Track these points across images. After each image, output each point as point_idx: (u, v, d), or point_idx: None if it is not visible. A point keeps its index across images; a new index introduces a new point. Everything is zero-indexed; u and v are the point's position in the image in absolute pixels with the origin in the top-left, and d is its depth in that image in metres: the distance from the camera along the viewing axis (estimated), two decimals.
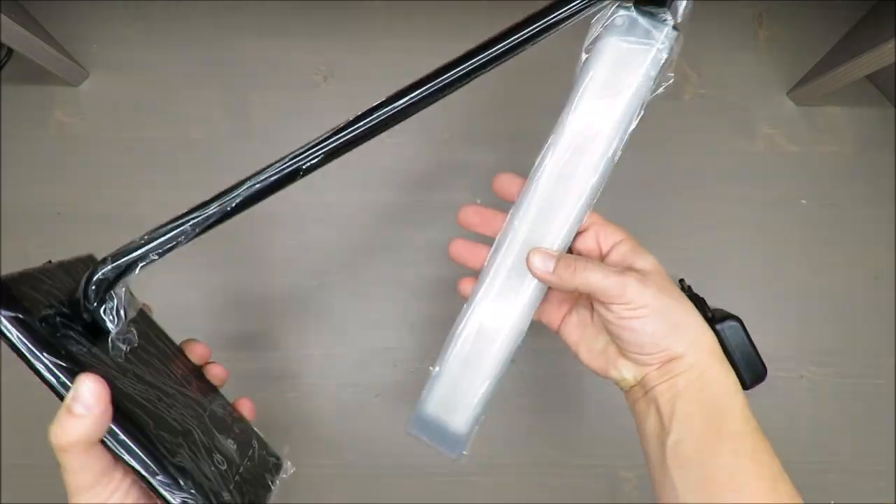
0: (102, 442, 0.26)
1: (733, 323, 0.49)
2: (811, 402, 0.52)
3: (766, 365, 0.50)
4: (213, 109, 0.56)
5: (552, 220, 0.33)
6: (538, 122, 0.55)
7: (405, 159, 0.55)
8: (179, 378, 0.34)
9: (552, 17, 0.31)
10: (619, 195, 0.56)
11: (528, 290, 0.34)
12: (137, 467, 0.26)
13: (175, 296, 0.52)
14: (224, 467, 0.31)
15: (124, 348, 0.30)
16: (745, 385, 0.49)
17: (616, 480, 0.50)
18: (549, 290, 0.35)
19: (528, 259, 0.33)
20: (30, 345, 0.25)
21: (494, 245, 0.36)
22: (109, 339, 0.29)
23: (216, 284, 0.52)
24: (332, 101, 0.57)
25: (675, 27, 0.31)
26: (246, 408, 0.38)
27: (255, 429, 0.38)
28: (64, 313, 0.28)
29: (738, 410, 0.32)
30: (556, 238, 0.33)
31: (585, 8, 0.31)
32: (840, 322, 0.54)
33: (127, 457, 0.26)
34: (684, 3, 0.31)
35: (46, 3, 0.55)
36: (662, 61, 0.31)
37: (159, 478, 0.26)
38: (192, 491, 0.27)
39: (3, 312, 0.25)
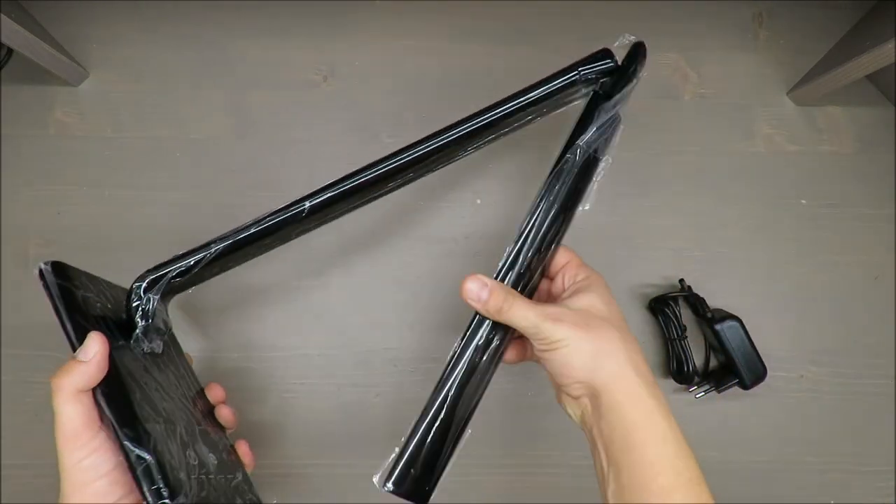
0: (93, 394, 0.30)
1: (733, 323, 0.49)
2: (811, 402, 0.52)
3: (766, 365, 0.50)
4: (213, 109, 0.56)
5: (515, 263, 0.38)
6: (536, 122, 0.55)
7: None
8: (188, 398, 0.38)
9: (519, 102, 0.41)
10: (619, 195, 0.56)
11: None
12: (110, 413, 0.30)
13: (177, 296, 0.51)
14: (194, 462, 0.34)
15: (146, 346, 0.36)
16: (746, 385, 0.49)
17: None
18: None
19: (462, 285, 0.35)
20: (65, 306, 0.32)
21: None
22: (135, 334, 0.35)
23: (216, 283, 0.52)
24: (332, 101, 0.57)
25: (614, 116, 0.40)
26: (243, 450, 0.41)
27: (247, 473, 0.40)
28: (107, 308, 0.35)
29: (667, 460, 0.31)
30: (499, 271, 0.37)
31: (561, 90, 0.41)
32: (840, 322, 0.54)
33: (104, 402, 0.30)
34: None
35: (46, 3, 0.55)
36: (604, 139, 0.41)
37: (126, 430, 0.30)
38: (152, 451, 0.30)
39: (54, 279, 0.32)
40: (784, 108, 0.59)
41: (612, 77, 0.41)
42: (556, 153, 0.57)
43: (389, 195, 0.55)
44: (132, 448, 0.30)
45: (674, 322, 0.50)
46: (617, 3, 0.60)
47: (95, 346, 0.31)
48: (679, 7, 0.60)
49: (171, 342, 0.41)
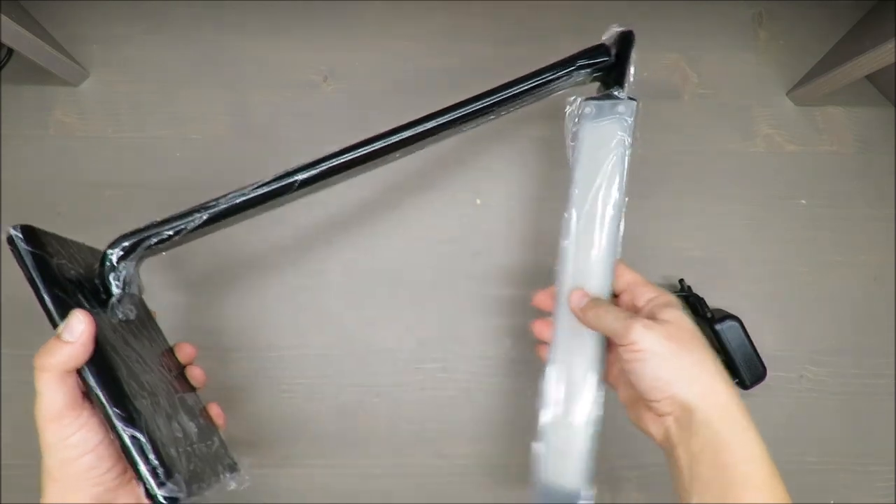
0: (79, 374, 0.30)
1: (733, 323, 0.49)
2: (811, 402, 0.52)
3: (766, 365, 0.50)
4: (213, 109, 0.56)
5: (588, 277, 0.39)
6: (535, 124, 0.55)
7: (405, 158, 0.55)
8: (163, 364, 0.37)
9: (521, 86, 0.42)
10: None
11: (591, 344, 0.39)
12: (100, 395, 0.29)
13: (175, 295, 0.51)
14: (179, 435, 0.34)
15: (120, 314, 0.35)
16: (746, 385, 0.49)
17: (616, 480, 0.50)
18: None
19: (569, 296, 0.38)
20: (42, 279, 0.31)
21: (554, 315, 0.41)
22: (110, 303, 0.34)
23: (215, 283, 0.52)
24: (332, 101, 0.57)
25: (630, 97, 0.40)
26: (215, 412, 0.41)
27: (221, 434, 0.40)
28: (80, 273, 0.34)
29: (760, 480, 0.30)
30: (594, 285, 0.38)
31: (558, 78, 0.42)
32: (840, 322, 0.54)
33: (94, 384, 0.30)
34: (631, 79, 0.40)
35: (46, 3, 0.55)
36: (631, 127, 0.39)
37: (116, 409, 0.29)
38: (144, 431, 0.30)
39: (27, 248, 0.31)
40: (784, 108, 0.59)
41: (609, 71, 0.41)
42: (556, 154, 0.57)
43: (388, 197, 0.55)
44: (124, 429, 0.29)
45: None
46: (617, 3, 0.60)
47: (80, 326, 0.30)
48: (679, 7, 0.60)
49: (141, 303, 0.40)
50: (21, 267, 0.31)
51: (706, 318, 0.50)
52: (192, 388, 0.40)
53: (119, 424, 0.29)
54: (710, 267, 0.54)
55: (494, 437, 0.50)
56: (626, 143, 0.39)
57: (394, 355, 0.51)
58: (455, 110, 0.40)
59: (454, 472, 0.50)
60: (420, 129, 0.40)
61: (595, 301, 0.37)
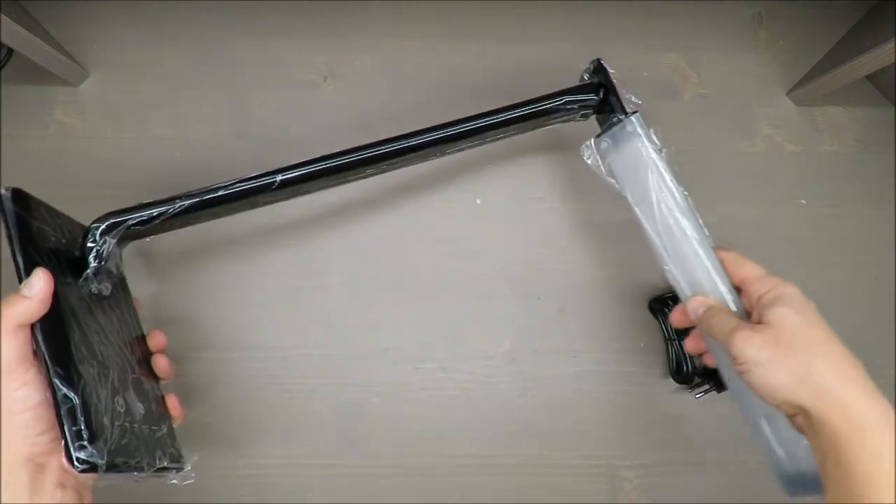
0: (31, 330, 0.31)
1: None
2: None
3: None
4: (213, 109, 0.56)
5: (700, 285, 0.39)
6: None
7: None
8: (127, 344, 0.38)
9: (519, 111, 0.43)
10: (619, 195, 0.56)
11: None
12: (44, 350, 0.31)
13: (175, 294, 0.51)
14: (121, 409, 0.34)
15: (94, 288, 0.36)
16: None
17: (616, 480, 0.50)
18: None
19: (688, 303, 0.38)
20: (19, 238, 0.33)
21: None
22: (85, 274, 0.36)
23: (215, 283, 0.52)
24: (332, 101, 0.57)
25: (630, 112, 0.42)
26: (171, 403, 0.41)
27: (174, 426, 0.40)
28: (61, 244, 0.36)
29: (881, 477, 0.28)
30: (708, 290, 0.38)
31: (548, 113, 0.43)
32: (840, 322, 0.54)
33: (41, 339, 0.31)
34: (623, 96, 0.42)
35: (46, 3, 0.55)
36: (647, 134, 0.41)
37: (56, 367, 0.31)
38: (79, 393, 0.31)
39: (12, 207, 0.33)
40: (784, 108, 0.59)
41: (602, 104, 0.44)
42: (556, 154, 0.57)
43: (389, 196, 0.55)
44: (60, 386, 0.30)
45: None
46: (617, 3, 0.60)
47: (40, 283, 0.31)
48: (679, 7, 0.60)
49: (121, 286, 0.41)
50: (4, 226, 0.33)
51: None
52: (155, 377, 0.41)
53: (56, 381, 0.30)
54: None
55: (494, 437, 0.50)
56: (652, 149, 0.40)
57: (394, 355, 0.51)
58: (431, 133, 0.41)
59: (454, 472, 0.50)
60: (399, 146, 0.41)
61: (709, 310, 0.36)
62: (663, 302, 0.51)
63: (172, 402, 0.41)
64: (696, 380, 0.50)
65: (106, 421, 0.32)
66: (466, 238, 0.54)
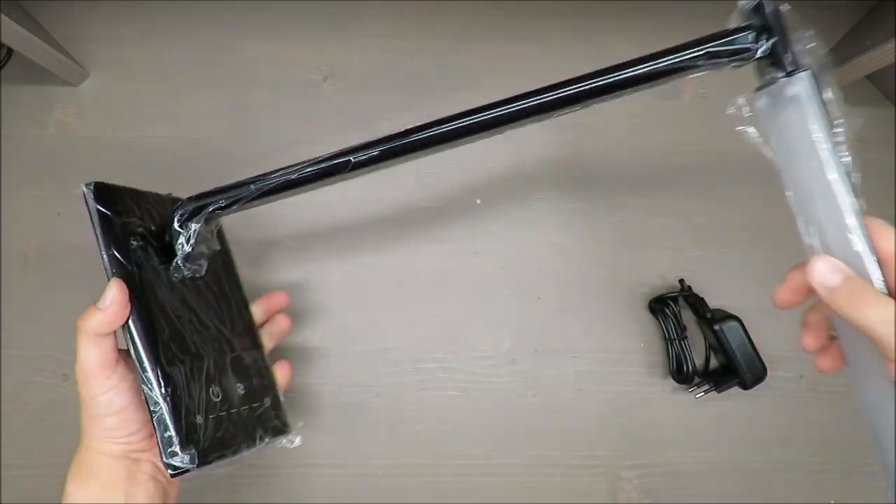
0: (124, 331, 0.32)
1: (733, 323, 0.49)
2: (811, 402, 0.52)
3: (766, 365, 0.50)
4: (213, 109, 0.56)
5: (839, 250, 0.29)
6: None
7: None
8: (226, 321, 0.38)
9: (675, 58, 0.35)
10: (619, 195, 0.56)
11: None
12: (134, 358, 0.32)
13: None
14: (216, 399, 0.35)
15: (183, 273, 0.36)
16: (746, 385, 0.49)
17: (616, 480, 0.50)
18: None
19: (810, 265, 0.29)
20: (103, 238, 0.33)
21: None
22: (174, 262, 0.35)
23: None
24: (332, 101, 0.57)
25: (800, 69, 0.32)
26: (282, 371, 0.42)
27: (280, 394, 0.41)
28: (150, 230, 0.36)
29: None
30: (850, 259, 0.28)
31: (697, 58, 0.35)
32: None
33: (130, 347, 0.32)
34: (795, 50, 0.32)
35: (46, 3, 0.55)
36: (817, 98, 0.31)
37: (146, 375, 0.31)
38: (169, 399, 0.31)
39: (94, 205, 0.33)
40: None
41: (769, 53, 0.33)
42: (556, 154, 0.57)
43: (389, 196, 0.55)
44: (149, 394, 0.31)
45: (674, 322, 0.50)
46: (617, 3, 0.60)
47: (111, 295, 0.32)
48: (679, 7, 0.60)
49: (220, 259, 0.41)
50: (91, 224, 0.33)
51: (706, 318, 0.50)
52: (258, 346, 0.41)
53: (144, 389, 0.31)
54: (710, 267, 0.54)
55: (494, 437, 0.50)
56: (819, 117, 0.32)
57: (394, 355, 0.51)
58: (550, 92, 0.34)
59: (454, 473, 0.50)
60: (508, 111, 0.34)
61: (849, 281, 0.27)
62: (663, 302, 0.51)
63: (283, 371, 0.42)
64: (696, 380, 0.51)
65: (199, 419, 0.33)
66: (466, 238, 0.54)
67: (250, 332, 0.41)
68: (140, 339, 0.32)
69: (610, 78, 0.35)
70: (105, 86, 0.56)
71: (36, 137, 0.54)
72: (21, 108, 0.55)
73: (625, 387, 0.52)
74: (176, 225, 0.35)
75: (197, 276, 0.37)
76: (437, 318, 0.52)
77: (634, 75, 0.35)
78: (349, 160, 0.35)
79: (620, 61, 0.35)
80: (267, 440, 0.37)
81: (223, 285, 0.40)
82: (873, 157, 0.58)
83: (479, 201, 0.55)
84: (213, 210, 0.36)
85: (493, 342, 0.52)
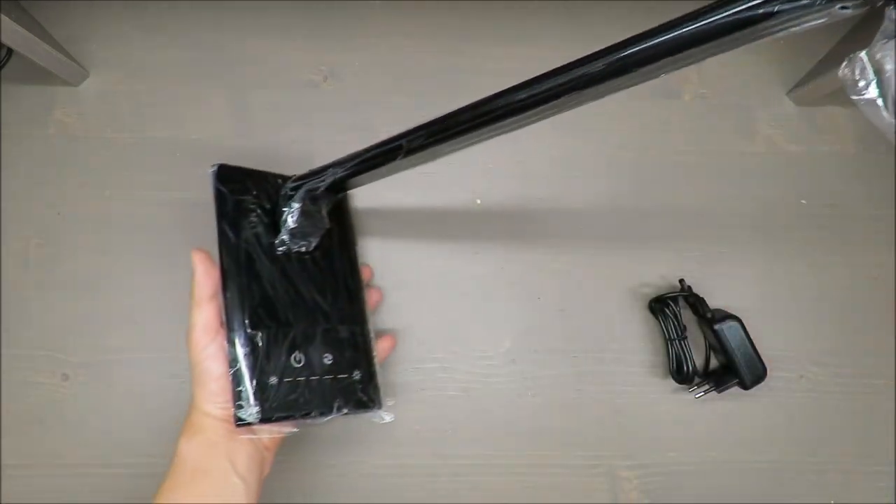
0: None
1: (733, 323, 0.49)
2: (811, 402, 0.52)
3: (766, 365, 0.50)
4: (213, 109, 0.56)
5: None
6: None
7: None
8: (328, 294, 0.41)
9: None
10: (619, 195, 0.56)
11: None
12: (223, 317, 0.36)
13: (178, 297, 0.52)
14: (297, 365, 0.38)
15: (287, 247, 0.40)
16: (746, 385, 0.49)
17: (616, 480, 0.50)
18: None
19: None
20: (218, 214, 0.38)
21: None
22: (279, 238, 0.39)
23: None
24: (332, 100, 0.57)
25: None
26: (384, 345, 0.44)
27: (377, 371, 0.42)
28: (264, 207, 0.40)
29: None
30: None
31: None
32: (840, 322, 0.54)
33: (222, 308, 0.36)
34: None
35: (46, 3, 0.55)
36: None
37: (230, 333, 0.36)
38: (244, 356, 0.35)
39: (216, 184, 0.39)
40: (784, 108, 0.59)
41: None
42: (556, 153, 0.57)
43: (389, 196, 0.55)
44: (230, 352, 0.35)
45: (674, 322, 0.50)
46: (616, 3, 0.60)
47: (196, 265, 0.37)
48: (679, 7, 0.60)
49: (335, 237, 0.43)
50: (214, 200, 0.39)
51: (706, 318, 0.50)
52: (361, 322, 0.42)
53: (228, 345, 0.36)
54: (710, 267, 0.54)
55: (494, 437, 0.50)
56: None
57: (394, 355, 0.51)
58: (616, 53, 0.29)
59: (454, 472, 0.50)
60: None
61: None
62: (663, 302, 0.51)
63: (384, 344, 0.44)
64: (696, 380, 0.51)
65: (272, 380, 0.36)
66: (466, 238, 0.54)
67: (355, 307, 0.43)
68: (228, 302, 0.36)
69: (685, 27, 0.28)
70: (105, 86, 0.56)
71: (36, 137, 0.54)
72: (21, 108, 0.55)
73: (625, 387, 0.52)
74: (280, 202, 0.39)
75: (304, 250, 0.40)
76: (437, 317, 0.52)
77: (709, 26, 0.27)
78: (454, 129, 0.33)
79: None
80: (345, 411, 0.39)
81: (333, 261, 0.42)
82: (873, 158, 0.58)
83: (479, 201, 0.55)
84: (311, 190, 0.38)
85: (493, 342, 0.52)
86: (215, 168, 0.39)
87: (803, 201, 0.57)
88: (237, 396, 0.35)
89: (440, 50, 0.59)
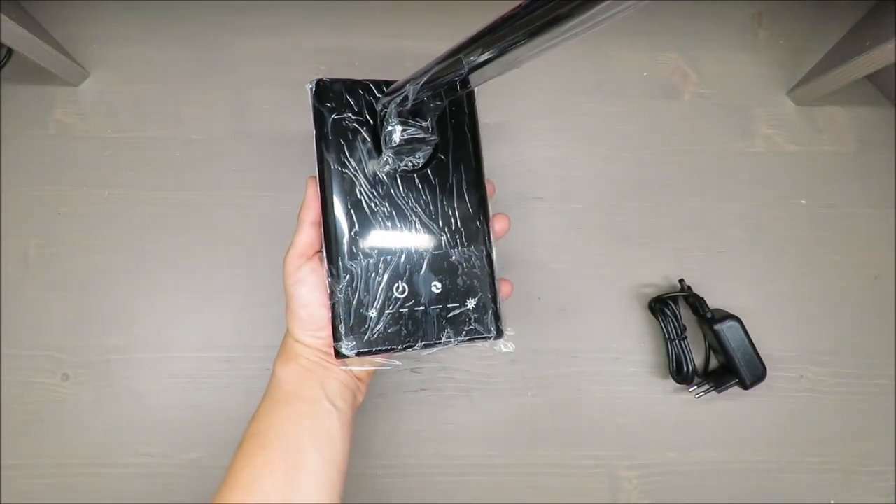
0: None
1: (733, 323, 0.49)
2: (811, 402, 0.52)
3: (766, 365, 0.50)
4: (213, 109, 0.56)
5: None
6: (533, 121, 0.54)
7: None
8: (439, 215, 0.37)
9: None
10: (619, 195, 0.56)
11: None
12: (323, 248, 0.35)
13: (178, 297, 0.52)
14: (400, 296, 0.35)
15: (391, 166, 0.36)
16: (745, 385, 0.49)
17: (616, 480, 0.50)
18: None
19: None
20: (317, 135, 0.35)
21: None
22: (382, 158, 0.35)
23: (216, 285, 0.52)
24: None
25: None
26: (504, 288, 0.39)
27: (498, 299, 0.37)
28: (367, 123, 0.36)
29: None
30: None
31: None
32: (840, 322, 0.54)
33: (322, 235, 0.35)
34: None
35: (46, 3, 0.55)
36: None
37: (329, 264, 0.34)
38: (342, 289, 0.34)
39: (313, 103, 0.35)
40: (784, 108, 0.59)
41: None
42: (555, 153, 0.57)
43: None
44: (329, 284, 0.34)
45: (674, 322, 0.50)
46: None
47: (309, 189, 0.35)
48: (679, 7, 0.60)
49: (453, 149, 0.38)
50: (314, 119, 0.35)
51: (706, 318, 0.50)
52: (480, 245, 0.37)
53: (327, 280, 0.34)
54: (710, 267, 0.54)
55: (494, 437, 0.50)
56: None
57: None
58: None
59: (454, 473, 0.50)
60: None
61: None
62: (663, 302, 0.51)
63: (507, 288, 0.39)
64: (697, 380, 0.51)
65: (371, 312, 0.34)
66: None
67: (473, 229, 0.37)
68: (327, 232, 0.34)
69: None
70: (105, 86, 0.56)
71: (36, 137, 0.54)
72: (21, 108, 0.55)
73: (625, 387, 0.52)
74: (379, 116, 0.35)
75: (412, 168, 0.36)
76: None
77: None
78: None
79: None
80: (456, 341, 0.36)
81: (448, 177, 0.37)
82: (873, 157, 0.58)
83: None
84: (402, 100, 0.33)
85: (492, 342, 0.52)
86: (313, 85, 0.35)
87: (803, 201, 0.57)
88: (335, 329, 0.34)
89: (440, 50, 0.58)
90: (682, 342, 0.50)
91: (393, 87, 0.35)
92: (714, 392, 0.50)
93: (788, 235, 0.56)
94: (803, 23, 0.61)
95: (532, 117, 0.57)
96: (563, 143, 0.57)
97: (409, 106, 0.33)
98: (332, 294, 0.34)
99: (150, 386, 0.49)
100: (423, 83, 0.31)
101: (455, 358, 0.52)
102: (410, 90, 0.32)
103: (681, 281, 0.53)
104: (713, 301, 0.52)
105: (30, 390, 0.49)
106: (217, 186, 0.54)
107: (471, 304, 0.37)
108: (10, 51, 0.55)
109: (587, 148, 0.57)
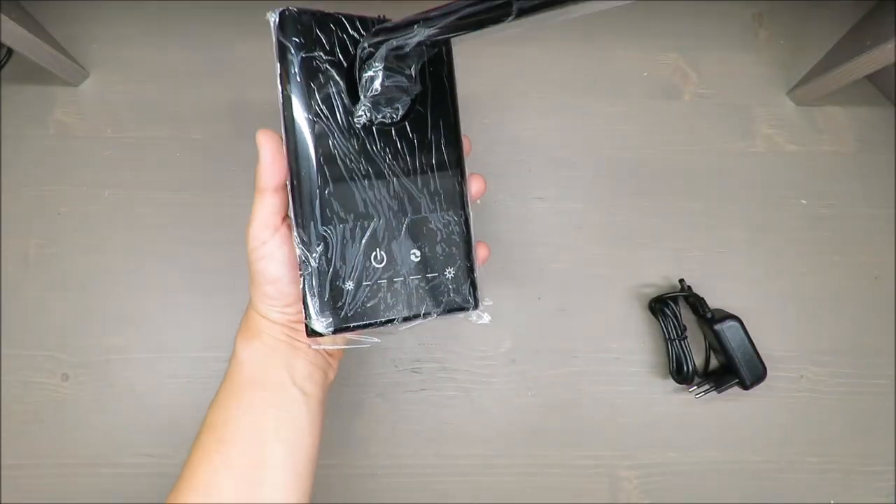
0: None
1: (733, 323, 0.50)
2: (811, 402, 0.52)
3: (766, 365, 0.50)
4: (213, 109, 0.56)
5: None
6: (533, 121, 0.54)
7: None
8: (418, 175, 0.33)
9: None
10: (619, 195, 0.56)
11: None
12: (290, 213, 0.30)
13: (178, 297, 0.52)
14: (378, 265, 0.32)
15: (367, 118, 0.31)
16: (746, 385, 0.49)
17: (616, 480, 0.50)
18: None
19: None
20: (280, 75, 0.31)
21: None
22: (357, 109, 0.31)
23: (216, 285, 0.52)
24: None
25: None
26: (481, 252, 0.37)
27: (475, 267, 0.35)
28: (341, 65, 0.31)
29: None
30: None
31: None
32: (840, 322, 0.54)
33: (289, 198, 0.30)
34: None
35: (46, 3, 0.55)
36: None
37: (298, 230, 0.30)
38: (315, 259, 0.30)
39: (276, 36, 0.30)
40: (784, 108, 0.59)
41: None
42: (555, 153, 0.57)
43: None
44: (296, 247, 0.30)
45: (674, 322, 0.50)
46: (617, 3, 0.60)
47: (264, 148, 0.31)
48: (679, 7, 0.60)
49: (431, 102, 0.34)
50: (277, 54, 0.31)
51: (706, 318, 0.50)
52: (459, 209, 0.35)
53: (296, 244, 0.30)
54: (710, 267, 0.54)
55: (494, 437, 0.50)
56: None
57: (394, 355, 0.51)
58: None
59: (454, 472, 0.50)
60: None
61: None
62: (663, 302, 0.51)
63: (483, 253, 0.37)
64: (697, 380, 0.51)
65: (348, 285, 0.30)
66: None
67: (451, 191, 0.34)
68: (294, 192, 0.30)
69: None
70: (105, 86, 0.56)
71: (36, 137, 0.54)
72: (21, 108, 0.55)
73: (625, 387, 0.52)
74: (359, 59, 0.30)
75: (389, 121, 0.32)
76: (437, 318, 0.52)
77: None
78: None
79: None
80: (434, 314, 0.33)
81: (427, 132, 0.34)
82: (873, 157, 0.58)
83: (479, 201, 0.55)
84: (391, 49, 0.29)
85: (493, 342, 0.52)
86: (276, 15, 0.30)
87: (803, 201, 0.57)
88: (306, 305, 0.30)
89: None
90: (682, 342, 0.50)
91: (389, 25, 0.30)
92: (714, 392, 0.50)
93: (788, 235, 0.56)
94: (803, 23, 0.61)
95: (532, 117, 0.57)
96: (563, 143, 0.57)
97: (406, 51, 0.29)
98: (303, 264, 0.30)
99: (150, 386, 0.49)
100: (445, 27, 0.26)
101: (455, 358, 0.52)
102: (420, 33, 0.27)
103: (681, 281, 0.53)
104: (713, 301, 0.52)
105: (30, 390, 0.49)
106: (217, 186, 0.54)
107: (449, 273, 0.34)
108: (10, 51, 0.55)
109: (587, 148, 0.57)
